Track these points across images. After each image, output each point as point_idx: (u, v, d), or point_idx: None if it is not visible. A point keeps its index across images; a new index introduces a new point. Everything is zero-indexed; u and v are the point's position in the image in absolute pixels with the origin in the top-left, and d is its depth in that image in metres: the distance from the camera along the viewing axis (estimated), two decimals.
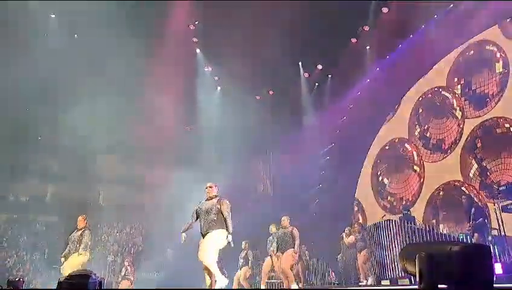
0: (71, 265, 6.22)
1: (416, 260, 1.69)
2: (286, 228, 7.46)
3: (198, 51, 16.43)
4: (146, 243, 17.49)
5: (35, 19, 13.12)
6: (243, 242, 9.94)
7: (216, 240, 5.11)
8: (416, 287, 1.69)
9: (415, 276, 1.72)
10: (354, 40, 15.11)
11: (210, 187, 5.53)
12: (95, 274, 2.89)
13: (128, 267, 9.58)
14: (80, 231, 6.72)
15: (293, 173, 16.83)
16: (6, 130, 15.14)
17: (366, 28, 14.57)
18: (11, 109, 14.49)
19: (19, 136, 15.77)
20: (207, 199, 5.45)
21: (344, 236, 10.22)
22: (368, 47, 15.14)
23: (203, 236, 5.21)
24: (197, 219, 5.48)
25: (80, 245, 6.48)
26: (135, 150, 18.14)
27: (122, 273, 9.63)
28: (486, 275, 1.63)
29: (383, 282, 9.08)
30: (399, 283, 8.36)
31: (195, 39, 15.88)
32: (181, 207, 15.08)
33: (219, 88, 17.82)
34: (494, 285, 1.66)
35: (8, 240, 16.01)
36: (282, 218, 7.67)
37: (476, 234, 7.93)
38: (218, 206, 5.23)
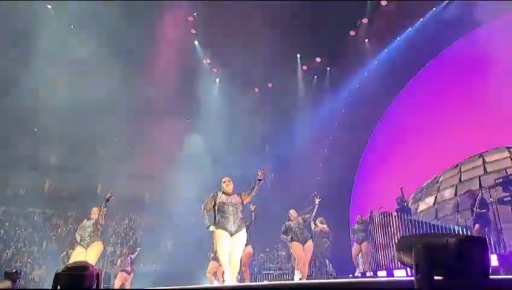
0: (90, 256, 6.14)
1: (412, 252, 1.69)
2: (296, 219, 7.40)
3: (196, 42, 16.33)
4: (145, 235, 17.51)
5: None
6: None
7: (244, 243, 4.88)
8: (412, 278, 1.69)
9: (411, 267, 1.71)
10: (352, 32, 15.06)
11: (229, 181, 5.07)
12: (92, 265, 2.87)
13: (128, 258, 9.52)
14: (93, 221, 6.67)
15: (292, 166, 16.83)
16: (2, 122, 15.04)
17: (365, 21, 14.52)
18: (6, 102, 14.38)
19: (15, 128, 15.66)
20: (227, 194, 5.02)
21: (317, 224, 9.81)
22: (366, 40, 15.10)
23: (232, 233, 4.80)
24: (213, 210, 4.99)
25: (93, 234, 6.44)
26: (134, 143, 18.09)
27: (118, 265, 9.58)
28: (483, 267, 1.63)
29: (379, 273, 9.14)
30: (395, 275, 8.41)
31: (193, 31, 15.78)
32: (179, 200, 15.11)
33: (218, 80, 17.74)
34: (490, 277, 1.66)
35: (6, 232, 15.98)
36: (290, 212, 7.58)
37: (477, 225, 7.77)
38: (241, 201, 4.98)
